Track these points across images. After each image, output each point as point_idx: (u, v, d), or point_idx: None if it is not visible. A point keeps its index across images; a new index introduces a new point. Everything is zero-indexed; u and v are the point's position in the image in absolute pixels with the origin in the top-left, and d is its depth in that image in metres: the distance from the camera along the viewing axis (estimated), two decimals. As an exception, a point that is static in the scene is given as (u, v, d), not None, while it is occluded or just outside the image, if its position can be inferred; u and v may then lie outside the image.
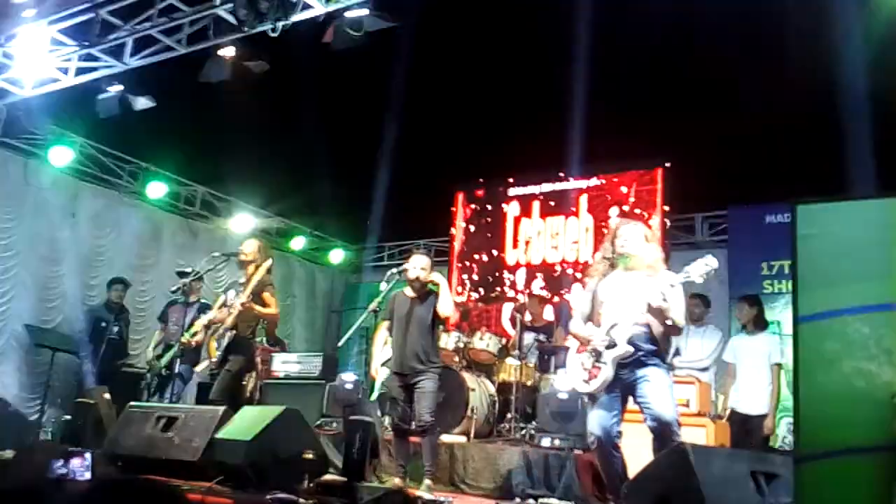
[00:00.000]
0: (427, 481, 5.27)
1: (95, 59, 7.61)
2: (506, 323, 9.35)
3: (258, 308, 5.98)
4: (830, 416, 2.57)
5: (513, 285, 9.57)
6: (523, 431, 6.88)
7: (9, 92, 8.08)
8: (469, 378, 7.05)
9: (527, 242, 9.62)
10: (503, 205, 9.90)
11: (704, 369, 6.37)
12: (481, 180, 10.06)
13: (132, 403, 5.90)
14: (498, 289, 9.70)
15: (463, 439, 6.66)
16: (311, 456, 4.75)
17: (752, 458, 3.78)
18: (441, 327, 5.91)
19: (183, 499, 3.32)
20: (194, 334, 6.46)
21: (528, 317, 7.79)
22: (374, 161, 9.59)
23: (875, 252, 2.66)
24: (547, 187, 9.66)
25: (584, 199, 9.33)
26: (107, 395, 6.81)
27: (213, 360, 6.04)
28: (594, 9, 7.29)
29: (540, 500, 5.41)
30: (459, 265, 10.07)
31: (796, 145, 7.77)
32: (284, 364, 7.69)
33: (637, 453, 4.23)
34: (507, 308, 9.43)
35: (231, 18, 6.58)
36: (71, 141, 8.91)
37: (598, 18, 7.42)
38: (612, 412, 4.25)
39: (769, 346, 6.17)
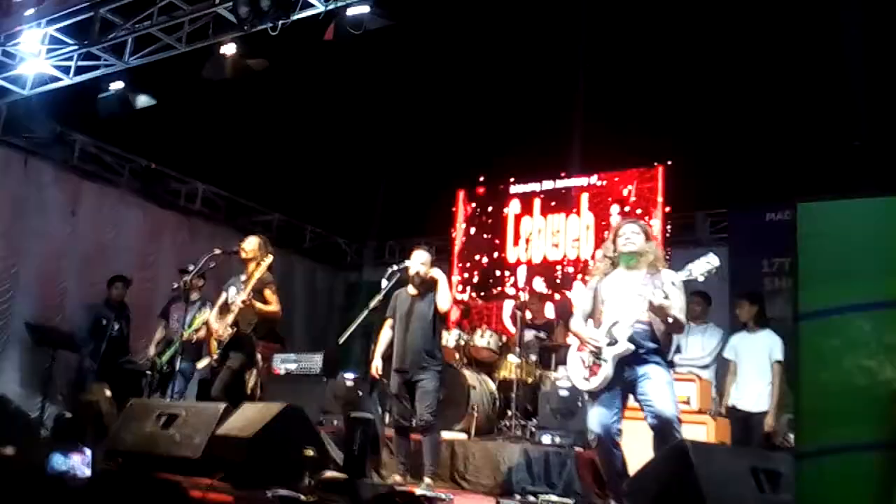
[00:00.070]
0: (427, 479, 5.28)
1: (96, 57, 7.62)
2: (507, 320, 9.35)
3: (259, 306, 5.98)
4: (831, 413, 2.57)
5: (514, 283, 9.57)
6: (524, 429, 6.89)
7: (9, 91, 8.09)
8: (470, 376, 7.06)
9: (527, 240, 9.62)
10: (504, 203, 9.90)
11: (705, 367, 6.37)
12: (482, 178, 10.06)
13: (133, 400, 5.90)
14: (499, 286, 9.70)
15: (464, 436, 6.67)
16: (312, 453, 4.76)
17: (753, 455, 3.79)
18: (443, 324, 5.91)
19: (184, 495, 3.33)
20: (196, 330, 6.46)
21: (528, 314, 7.80)
22: (375, 158, 9.61)
23: (876, 250, 2.66)
24: (548, 185, 9.66)
25: (585, 197, 9.33)
26: (108, 393, 6.80)
27: (215, 357, 6.05)
28: (595, 7, 7.30)
29: (540, 497, 5.42)
30: (460, 263, 10.07)
31: (796, 143, 7.78)
32: (285, 361, 7.70)
33: (638, 451, 4.23)
34: (508, 305, 9.43)
35: (231, 17, 6.58)
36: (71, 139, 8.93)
37: (599, 17, 7.42)
38: (612, 410, 4.25)
39: (770, 344, 6.16)
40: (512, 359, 7.23)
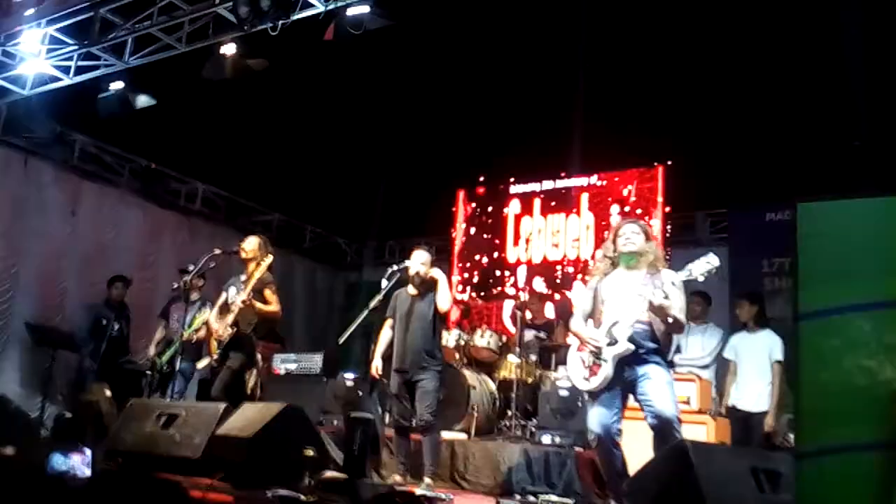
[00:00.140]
0: (427, 479, 5.28)
1: (96, 57, 7.62)
2: (507, 320, 9.35)
3: (259, 306, 5.98)
4: (831, 413, 2.57)
5: (514, 283, 9.57)
6: (524, 429, 6.89)
7: (9, 91, 8.09)
8: (470, 376, 7.06)
9: (527, 240, 9.62)
10: (504, 203, 9.90)
11: (705, 367, 6.36)
12: (482, 178, 10.07)
13: (133, 400, 5.90)
14: (499, 286, 9.70)
15: (464, 436, 6.67)
16: (312, 453, 4.76)
17: (753, 455, 3.79)
18: (443, 324, 5.91)
19: (184, 495, 3.34)
20: (196, 330, 6.45)
21: (528, 314, 7.80)
22: (375, 158, 9.61)
23: (876, 250, 2.66)
24: (548, 185, 9.66)
25: (584, 197, 9.34)
26: (108, 393, 6.80)
27: (215, 357, 6.05)
28: (596, 7, 7.30)
29: (540, 497, 5.42)
30: (460, 263, 10.07)
31: (796, 143, 7.78)
32: (285, 361, 7.70)
33: (638, 451, 4.23)
34: (508, 305, 9.43)
35: (231, 17, 6.58)
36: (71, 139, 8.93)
37: (599, 17, 7.43)
38: (612, 410, 4.25)
39: (770, 344, 6.16)
40: (512, 359, 7.23)
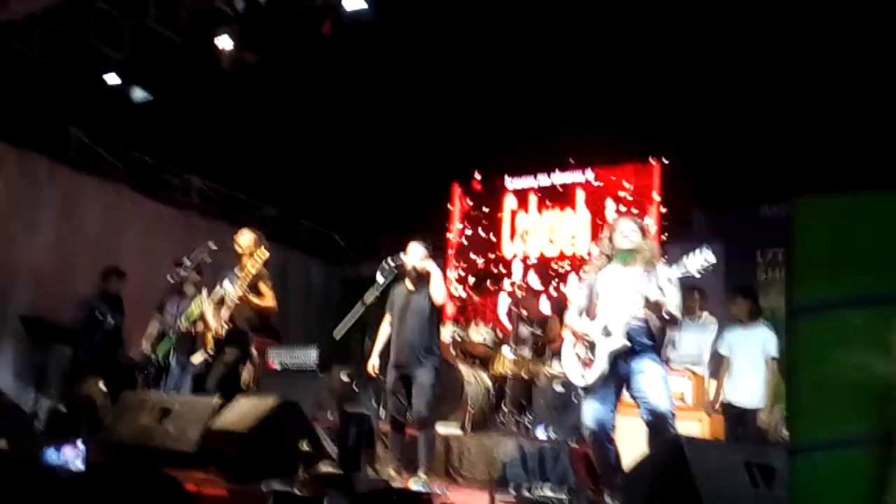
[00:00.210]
0: (422, 473, 5.28)
1: (92, 50, 7.59)
2: (502, 315, 9.36)
3: (255, 300, 5.98)
4: (825, 407, 2.57)
5: (509, 278, 9.57)
6: (519, 423, 6.90)
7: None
8: (465, 370, 7.07)
9: (523, 236, 9.62)
10: (500, 198, 9.91)
11: (699, 362, 6.38)
12: (478, 174, 10.06)
13: (128, 393, 5.90)
14: (494, 282, 9.70)
15: (458, 431, 6.68)
16: (306, 447, 4.76)
17: (747, 450, 3.79)
18: (440, 318, 5.90)
19: (179, 489, 3.33)
20: (194, 322, 6.45)
21: (523, 310, 7.80)
22: (371, 153, 9.59)
23: (871, 245, 2.67)
24: (544, 181, 9.66)
25: (580, 193, 9.34)
26: (102, 386, 6.80)
27: (209, 350, 6.05)
28: (593, 5, 7.29)
29: (535, 491, 5.43)
30: (456, 259, 10.08)
31: (794, 140, 7.78)
32: (280, 356, 7.69)
33: (632, 445, 4.24)
34: (503, 301, 9.44)
35: (228, 10, 6.57)
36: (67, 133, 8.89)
37: (596, 14, 7.42)
38: (606, 404, 4.26)
39: (764, 339, 6.15)
40: (507, 353, 7.24)
